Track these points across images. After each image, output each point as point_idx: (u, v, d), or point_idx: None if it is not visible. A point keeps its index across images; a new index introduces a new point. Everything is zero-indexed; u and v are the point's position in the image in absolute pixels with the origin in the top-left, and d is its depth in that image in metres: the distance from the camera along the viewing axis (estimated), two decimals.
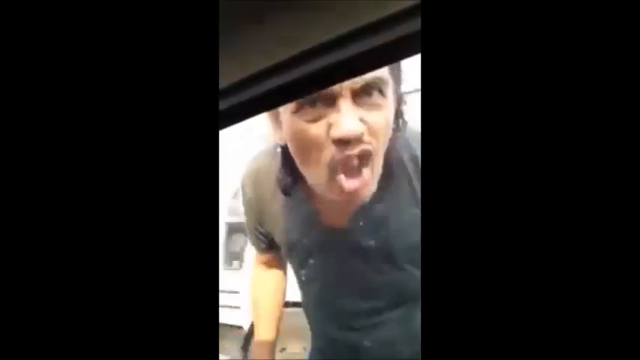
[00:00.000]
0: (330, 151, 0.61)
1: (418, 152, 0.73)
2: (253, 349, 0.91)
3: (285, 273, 0.94)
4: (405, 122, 0.71)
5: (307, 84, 0.37)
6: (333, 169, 0.62)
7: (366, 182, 0.63)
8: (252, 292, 0.95)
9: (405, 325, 0.77)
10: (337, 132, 0.59)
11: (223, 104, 0.38)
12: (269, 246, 0.86)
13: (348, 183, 0.62)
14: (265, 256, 0.91)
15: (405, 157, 0.73)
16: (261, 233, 0.85)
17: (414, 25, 0.29)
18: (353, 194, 0.64)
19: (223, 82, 0.37)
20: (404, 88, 0.68)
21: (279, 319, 0.93)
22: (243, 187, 0.83)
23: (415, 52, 0.31)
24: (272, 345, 0.91)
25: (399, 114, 0.68)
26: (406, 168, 0.73)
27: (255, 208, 0.81)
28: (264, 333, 0.91)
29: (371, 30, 0.31)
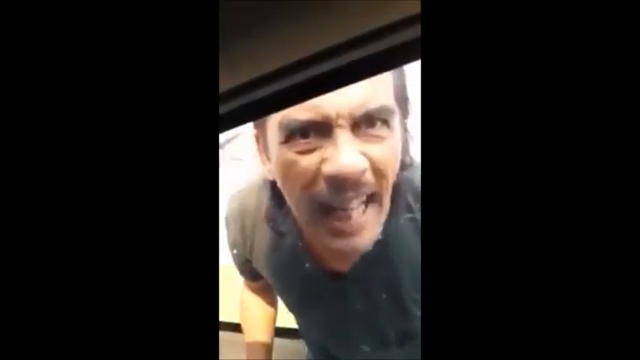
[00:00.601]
0: (323, 190, 0.52)
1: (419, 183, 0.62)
2: (247, 350, 0.89)
3: (274, 297, 0.90)
4: (412, 159, 0.61)
5: (307, 89, 0.37)
6: (326, 212, 0.53)
7: (367, 228, 0.54)
8: (242, 309, 0.92)
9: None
10: (332, 166, 0.50)
11: (223, 108, 0.38)
12: (255, 278, 0.81)
13: (345, 229, 0.53)
14: (253, 284, 0.87)
15: (409, 195, 0.63)
16: (248, 267, 0.78)
17: (415, 31, 0.29)
18: (350, 242, 0.55)
19: (223, 86, 0.37)
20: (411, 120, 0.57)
21: (272, 334, 0.90)
22: (227, 223, 0.76)
23: (415, 59, 0.32)
24: (267, 346, 0.87)
25: (405, 150, 0.58)
26: (410, 205, 0.63)
27: (241, 245, 0.74)
28: (256, 335, 0.88)
29: (371, 36, 0.31)
